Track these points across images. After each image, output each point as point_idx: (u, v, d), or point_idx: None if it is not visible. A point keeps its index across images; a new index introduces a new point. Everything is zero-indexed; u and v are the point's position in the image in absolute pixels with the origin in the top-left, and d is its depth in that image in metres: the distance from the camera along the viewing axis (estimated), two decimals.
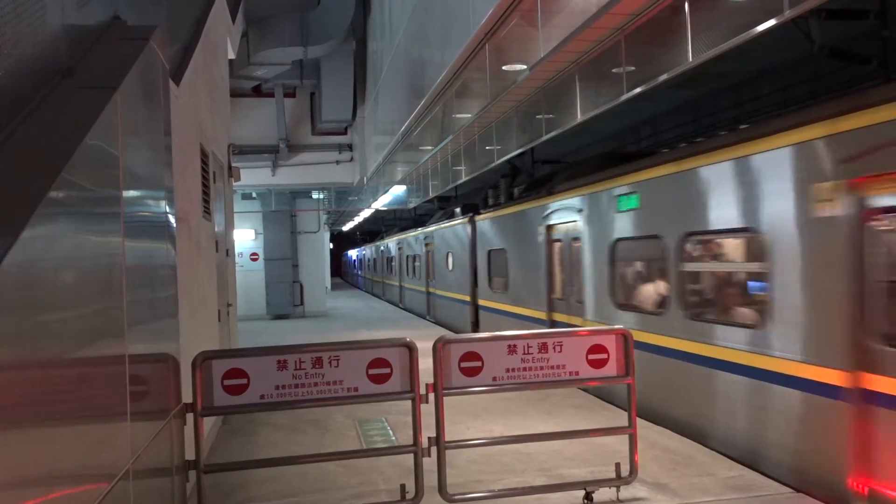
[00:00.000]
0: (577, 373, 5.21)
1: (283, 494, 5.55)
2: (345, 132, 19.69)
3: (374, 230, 44.91)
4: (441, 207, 22.23)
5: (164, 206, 4.25)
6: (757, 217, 6.13)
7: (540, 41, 6.91)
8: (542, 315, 11.52)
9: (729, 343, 6.51)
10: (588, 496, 5.16)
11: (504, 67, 8.00)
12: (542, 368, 5.15)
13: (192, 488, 4.77)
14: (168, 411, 4.16)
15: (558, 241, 10.95)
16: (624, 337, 5.27)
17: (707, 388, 6.81)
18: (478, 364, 5.06)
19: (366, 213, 29.10)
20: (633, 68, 7.13)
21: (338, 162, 19.75)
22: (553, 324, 11.15)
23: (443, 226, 19.04)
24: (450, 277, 18.24)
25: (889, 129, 4.71)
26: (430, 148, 13.68)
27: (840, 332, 5.15)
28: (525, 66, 7.81)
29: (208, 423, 6.67)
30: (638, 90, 7.06)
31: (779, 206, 5.87)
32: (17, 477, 2.02)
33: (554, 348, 5.16)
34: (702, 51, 5.78)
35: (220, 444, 7.18)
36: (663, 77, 6.52)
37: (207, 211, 6.92)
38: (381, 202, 21.30)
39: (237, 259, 12.81)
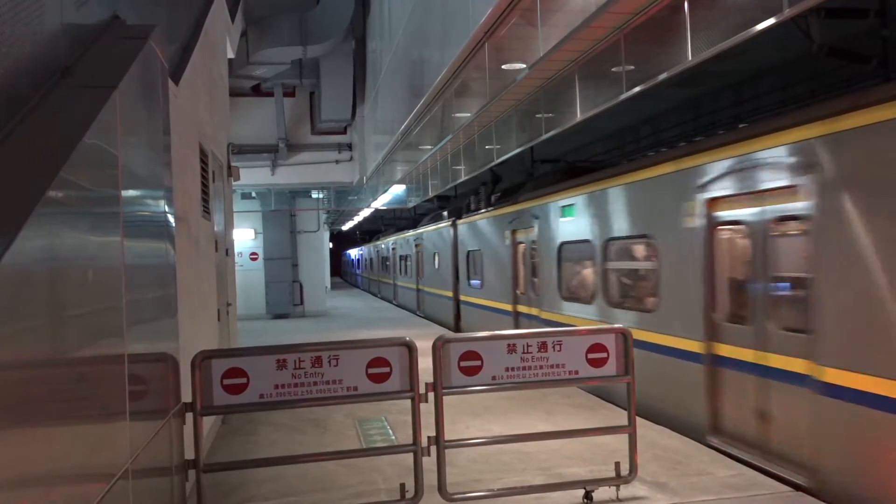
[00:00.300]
0: (576, 372, 5.20)
1: (283, 494, 5.54)
2: (344, 131, 19.67)
3: (373, 230, 44.92)
4: (440, 207, 22.48)
5: (163, 206, 4.24)
6: (650, 227, 8.07)
7: (539, 40, 6.91)
8: (508, 307, 13.38)
9: (633, 324, 8.08)
10: (588, 495, 5.16)
11: (503, 66, 7.99)
12: (541, 367, 5.15)
13: (191, 488, 4.77)
14: (167, 411, 4.15)
15: (521, 243, 12.74)
16: (623, 336, 5.26)
17: None
18: (477, 363, 5.06)
19: (365, 213, 29.10)
20: (632, 67, 7.13)
21: (337, 161, 19.73)
22: (517, 315, 13.02)
23: (429, 228, 20.92)
24: (436, 275, 20.11)
25: (721, 167, 6.65)
26: (429, 147, 13.67)
27: (699, 313, 7.01)
28: (524, 66, 7.80)
29: (208, 422, 6.67)
30: (637, 89, 7.06)
31: (663, 219, 7.74)
32: (16, 477, 2.02)
33: (553, 347, 5.15)
34: (701, 50, 5.77)
35: (219, 443, 7.18)
36: (663, 76, 6.52)
37: (207, 210, 6.92)
38: (381, 201, 21.30)
39: (237, 258, 12.81)
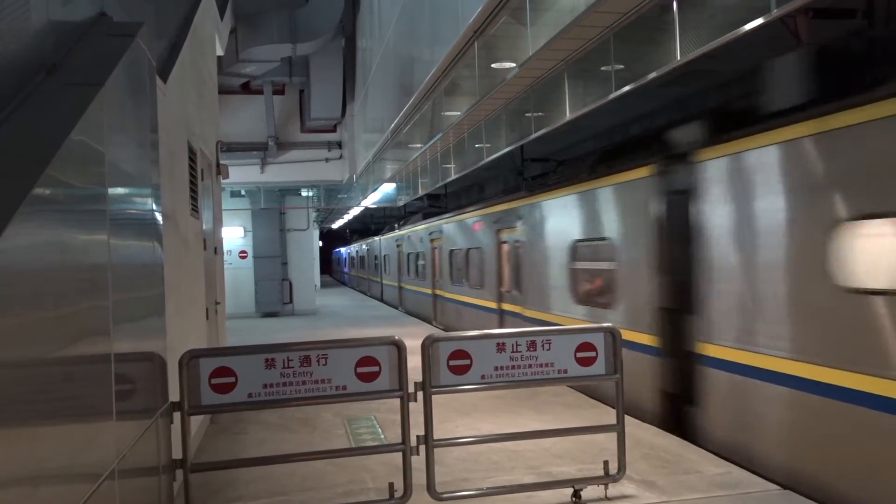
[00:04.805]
0: (565, 371, 5.21)
1: (272, 493, 5.53)
2: (334, 129, 19.63)
3: (363, 228, 44.93)
4: (432, 205, 22.90)
5: (150, 204, 4.22)
6: (478, 242, 14.48)
7: (529, 39, 6.92)
8: (427, 290, 20.10)
9: (467, 293, 15.52)
10: (576, 494, 5.17)
11: (493, 65, 8.00)
12: (530, 366, 5.15)
13: (179, 487, 4.75)
14: (154, 410, 4.13)
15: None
16: (612, 335, 5.27)
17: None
18: (466, 362, 5.06)
19: (355, 211, 29.04)
20: (621, 66, 7.14)
21: (327, 160, 19.70)
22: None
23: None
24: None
25: (500, 213, 12.84)
26: (419, 146, 13.67)
27: (496, 287, 13.38)
28: (514, 64, 7.80)
29: (196, 421, 6.64)
30: (626, 88, 7.07)
31: (482, 238, 14.20)
32: (0, 477, 2.00)
33: (542, 346, 5.16)
34: (690, 49, 5.79)
35: (207, 442, 7.15)
36: (652, 75, 6.53)
37: (195, 208, 6.89)
38: (371, 200, 21.28)
39: (226, 257, 12.76)
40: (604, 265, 8.68)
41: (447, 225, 17.39)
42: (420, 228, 20.78)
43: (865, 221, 4.86)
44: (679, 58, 5.90)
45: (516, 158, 15.16)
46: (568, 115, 8.55)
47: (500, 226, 12.92)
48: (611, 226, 8.53)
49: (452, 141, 13.75)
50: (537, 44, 6.82)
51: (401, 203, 22.24)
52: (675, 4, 5.94)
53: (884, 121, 4.68)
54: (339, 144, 19.72)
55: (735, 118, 6.64)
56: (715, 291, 6.43)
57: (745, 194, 6.07)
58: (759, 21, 4.90)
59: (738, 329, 6.13)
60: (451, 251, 16.86)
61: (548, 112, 9.39)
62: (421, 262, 21.03)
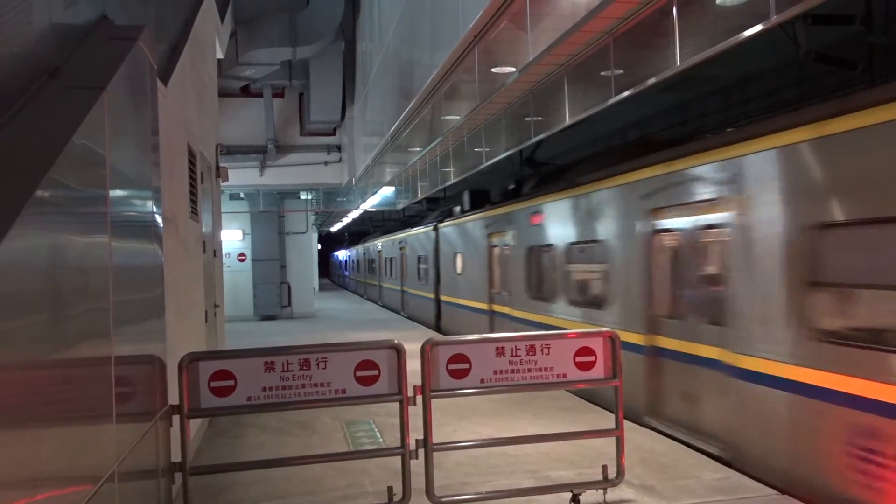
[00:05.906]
0: (564, 375, 5.21)
1: (271, 496, 5.53)
2: (333, 133, 19.63)
3: (362, 231, 45.12)
4: (430, 209, 23.21)
5: (151, 206, 4.22)
6: (395, 253, 25.78)
7: (529, 44, 6.93)
8: (375, 282, 31.85)
9: (406, 285, 24.93)
10: (575, 498, 5.17)
11: (493, 70, 8.00)
12: (529, 371, 5.15)
13: (178, 490, 4.75)
14: (154, 413, 4.13)
15: (381, 257, 30.67)
16: (611, 339, 5.28)
17: (424, 304, 20.64)
18: (465, 366, 5.06)
19: (354, 215, 29.09)
20: (621, 71, 7.15)
21: (326, 163, 19.69)
22: (380, 287, 30.11)
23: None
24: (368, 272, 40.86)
25: (403, 238, 24.70)
26: (418, 149, 13.68)
27: (400, 281, 25.30)
28: (514, 69, 7.81)
29: (195, 424, 6.63)
30: (626, 93, 7.09)
31: (392, 250, 26.80)
32: (0, 479, 2.00)
33: (542, 350, 5.16)
34: (690, 54, 5.80)
35: (206, 445, 7.14)
36: (651, 80, 6.54)
37: (195, 211, 6.89)
38: (370, 203, 21.30)
39: (224, 260, 12.75)
40: (424, 266, 19.83)
41: (383, 243, 28.78)
42: (376, 243, 31.70)
43: (458, 254, 16.46)
44: (679, 63, 5.92)
45: (515, 163, 15.17)
46: (567, 120, 8.57)
47: (401, 245, 23.76)
48: (424, 250, 19.72)
49: (452, 145, 13.76)
50: (537, 48, 6.83)
51: (400, 206, 22.29)
52: (674, 10, 5.96)
53: (474, 222, 15.08)
54: (339, 148, 19.72)
55: (451, 211, 17.38)
56: (443, 276, 17.60)
57: (446, 240, 17.35)
58: (758, 27, 4.92)
59: (450, 291, 17.08)
60: (387, 258, 27.75)
61: (547, 117, 9.40)
62: (375, 265, 32.09)
